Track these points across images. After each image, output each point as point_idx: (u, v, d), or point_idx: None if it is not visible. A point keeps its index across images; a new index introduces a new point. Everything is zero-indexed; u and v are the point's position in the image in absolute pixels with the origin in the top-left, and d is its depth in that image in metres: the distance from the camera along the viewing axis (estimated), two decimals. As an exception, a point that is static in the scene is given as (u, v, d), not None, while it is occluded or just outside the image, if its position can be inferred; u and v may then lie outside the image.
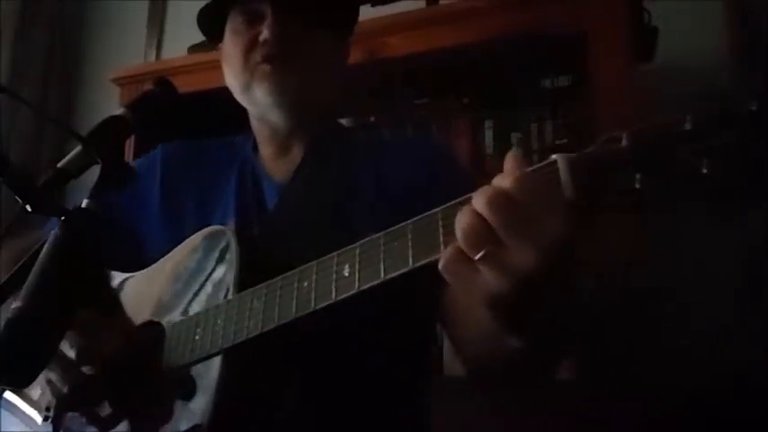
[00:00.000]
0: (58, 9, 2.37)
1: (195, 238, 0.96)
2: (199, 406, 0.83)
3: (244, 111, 1.10)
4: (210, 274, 0.91)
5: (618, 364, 1.20)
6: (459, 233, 0.60)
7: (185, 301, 0.94)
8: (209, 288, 0.91)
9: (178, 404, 0.86)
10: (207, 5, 1.09)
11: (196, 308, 0.92)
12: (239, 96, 1.06)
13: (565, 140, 1.54)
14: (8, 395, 1.01)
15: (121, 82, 1.82)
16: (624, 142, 0.57)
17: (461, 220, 0.60)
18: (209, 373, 0.84)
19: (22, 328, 0.61)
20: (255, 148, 1.12)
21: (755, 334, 1.39)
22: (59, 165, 0.73)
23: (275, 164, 1.09)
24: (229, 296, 0.87)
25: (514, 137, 1.60)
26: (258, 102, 1.03)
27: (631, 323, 1.19)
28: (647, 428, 1.18)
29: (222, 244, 0.91)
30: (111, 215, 1.09)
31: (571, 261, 0.60)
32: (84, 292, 0.67)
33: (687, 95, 1.44)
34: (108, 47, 2.41)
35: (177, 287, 0.95)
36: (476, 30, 1.46)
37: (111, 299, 1.03)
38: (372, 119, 1.74)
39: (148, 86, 0.86)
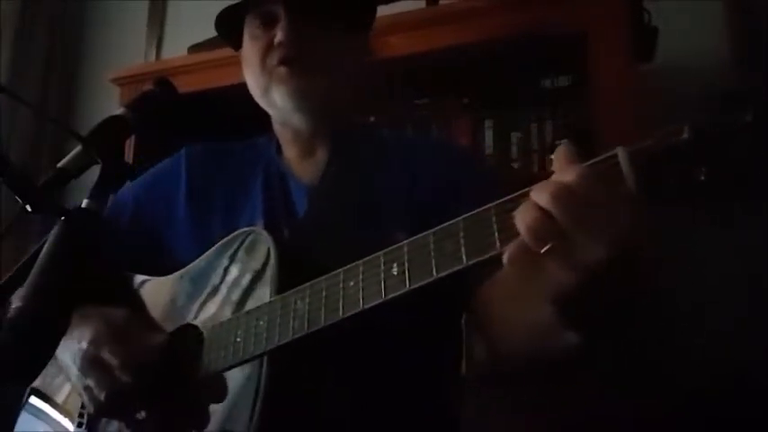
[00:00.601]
0: (58, 9, 2.37)
1: (231, 245, 0.95)
2: (240, 411, 0.82)
3: (244, 111, 1.10)
4: (225, 276, 0.91)
5: (620, 363, 1.20)
6: (523, 228, 0.60)
7: (198, 302, 0.94)
8: (223, 290, 0.91)
9: (215, 409, 0.85)
10: (223, 11, 1.08)
11: (212, 309, 0.92)
12: (260, 100, 1.06)
13: (565, 140, 1.53)
14: (33, 399, 1.01)
15: (121, 82, 1.82)
16: (686, 135, 0.56)
17: (525, 216, 0.60)
18: (245, 378, 0.84)
19: (22, 327, 0.61)
20: (279, 149, 1.12)
21: (756, 334, 1.39)
22: (59, 165, 0.73)
23: (301, 165, 1.08)
24: (249, 298, 0.87)
25: (514, 137, 1.60)
26: (278, 106, 1.03)
27: (637, 323, 1.19)
28: (648, 428, 1.18)
29: (235, 245, 0.91)
30: (132, 219, 1.10)
31: (637, 256, 0.60)
32: (83, 292, 0.67)
33: (687, 95, 1.44)
34: (108, 47, 2.40)
35: (188, 289, 0.95)
36: (476, 30, 1.46)
37: (136, 301, 1.03)
38: (372, 119, 1.73)
39: (148, 86, 0.86)
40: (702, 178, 0.55)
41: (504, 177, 1.58)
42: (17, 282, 0.67)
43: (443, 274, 0.68)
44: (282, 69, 1.00)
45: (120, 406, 0.89)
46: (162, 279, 1.03)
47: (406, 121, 1.70)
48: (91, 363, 0.89)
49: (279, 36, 1.00)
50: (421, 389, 0.95)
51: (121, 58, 2.19)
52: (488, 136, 1.63)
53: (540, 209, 0.59)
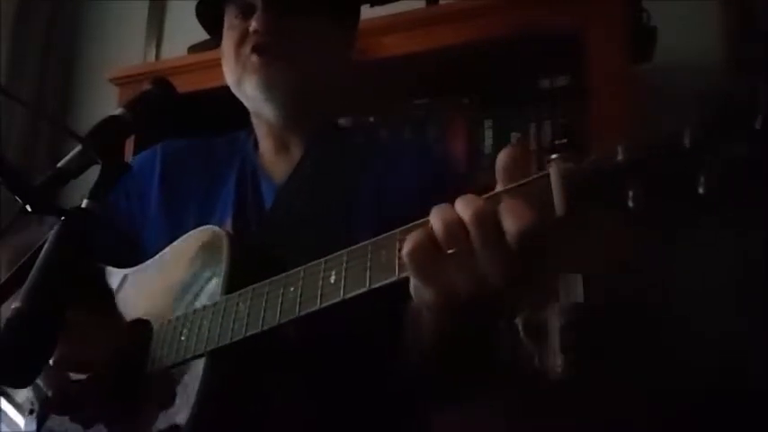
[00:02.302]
0: (56, 8, 2.37)
1: (193, 244, 0.94)
2: (178, 409, 0.82)
3: (244, 110, 1.10)
4: (204, 287, 0.90)
5: (617, 365, 1.20)
6: (438, 223, 0.62)
7: (179, 312, 0.93)
8: (203, 300, 0.90)
9: (158, 406, 0.85)
10: (199, 2, 1.08)
11: (162, 304, 0.92)
12: (235, 91, 1.05)
13: (564, 140, 1.54)
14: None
15: (120, 82, 1.82)
16: (619, 156, 0.56)
17: (444, 213, 0.62)
18: (190, 377, 0.83)
19: (21, 327, 0.61)
20: (256, 144, 1.11)
21: (755, 335, 1.39)
22: (59, 165, 0.73)
23: (274, 162, 1.08)
24: (202, 296, 0.87)
25: (514, 137, 1.60)
26: (249, 96, 1.02)
27: (631, 325, 1.19)
28: (647, 429, 1.18)
29: (219, 257, 0.89)
30: (107, 213, 1.09)
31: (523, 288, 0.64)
32: (83, 292, 0.67)
33: (686, 95, 1.44)
34: (107, 46, 2.40)
35: (171, 297, 0.93)
36: (475, 29, 1.46)
37: (104, 296, 1.02)
38: (372, 119, 1.73)
39: (147, 86, 0.86)
40: (630, 204, 0.55)
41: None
42: (17, 282, 0.67)
43: (377, 285, 0.68)
44: (254, 58, 0.99)
45: (66, 403, 0.88)
46: (147, 274, 1.01)
47: (406, 121, 1.70)
48: None
49: (253, 24, 0.99)
50: (370, 397, 0.93)
51: (121, 58, 2.19)
52: (488, 136, 1.63)
53: (459, 217, 0.61)
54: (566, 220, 0.58)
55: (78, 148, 0.73)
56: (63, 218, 0.68)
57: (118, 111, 0.79)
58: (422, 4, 1.64)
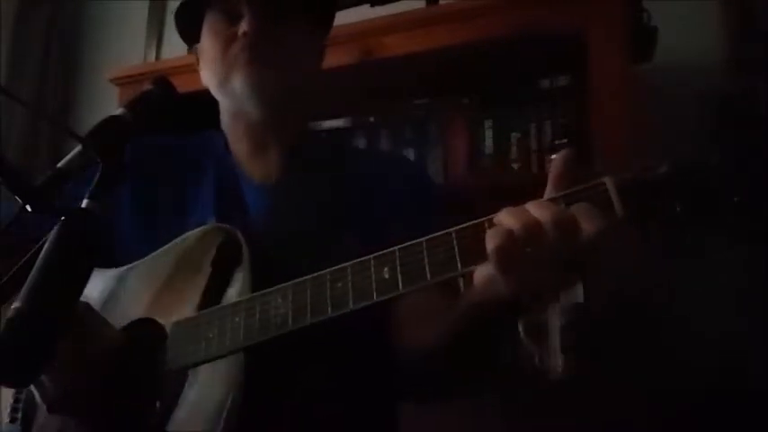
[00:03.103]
0: (57, 8, 2.37)
1: (200, 244, 0.94)
2: (209, 409, 0.81)
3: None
4: (225, 291, 0.90)
5: (617, 365, 1.20)
6: (518, 224, 0.66)
7: (146, 298, 0.94)
8: (179, 286, 0.90)
9: (177, 403, 0.85)
10: (181, 5, 1.10)
11: (166, 304, 0.92)
12: (216, 91, 1.07)
13: (564, 140, 1.54)
14: None
15: (120, 82, 1.82)
16: (664, 168, 0.62)
17: (521, 215, 0.67)
18: (223, 373, 0.83)
19: (21, 327, 0.61)
20: (227, 146, 1.11)
21: (755, 335, 1.39)
22: (59, 165, 0.72)
23: (252, 163, 1.08)
24: (216, 295, 0.87)
25: (514, 137, 1.61)
26: (235, 93, 1.03)
27: (631, 325, 1.19)
28: (647, 429, 1.18)
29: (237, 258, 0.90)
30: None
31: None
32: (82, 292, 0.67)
33: (686, 95, 1.44)
34: (107, 46, 2.40)
35: (187, 302, 0.92)
36: (475, 29, 1.46)
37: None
38: (372, 119, 1.73)
39: (147, 86, 0.86)
40: (678, 209, 0.61)
41: (504, 178, 1.58)
42: (17, 282, 0.67)
43: (438, 278, 0.72)
44: (244, 55, 1.01)
45: (72, 403, 0.86)
46: (106, 273, 1.01)
47: (406, 121, 1.70)
48: None
49: (244, 27, 1.01)
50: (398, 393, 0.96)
51: (121, 58, 2.19)
52: (488, 136, 1.63)
53: (512, 236, 0.66)
54: (622, 226, 0.64)
55: (78, 148, 0.73)
56: (63, 218, 0.68)
57: (118, 111, 0.79)
58: (422, 4, 1.64)
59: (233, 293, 0.87)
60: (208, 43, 1.06)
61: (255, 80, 1.01)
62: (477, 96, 1.65)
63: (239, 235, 0.90)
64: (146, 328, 0.93)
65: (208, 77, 1.07)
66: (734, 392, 1.38)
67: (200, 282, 0.91)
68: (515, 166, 1.59)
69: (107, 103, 1.96)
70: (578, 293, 1.21)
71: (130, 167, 1.07)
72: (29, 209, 0.68)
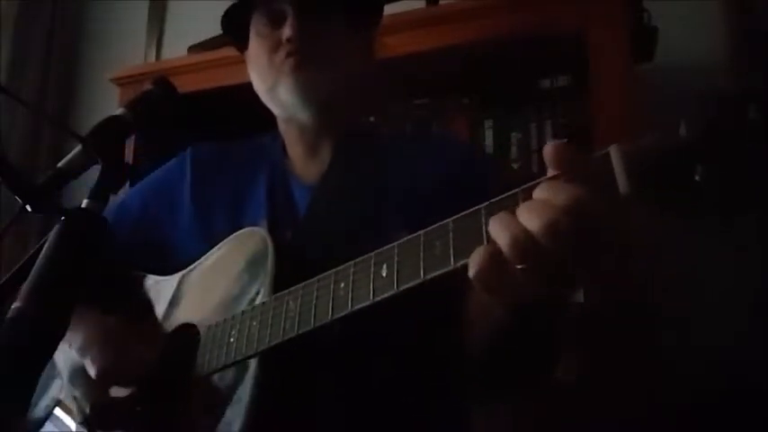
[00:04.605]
0: (57, 8, 2.37)
1: (238, 251, 0.94)
2: (229, 413, 0.81)
3: (244, 111, 1.10)
4: (254, 299, 0.90)
5: (617, 365, 1.20)
6: (506, 241, 0.58)
7: (198, 301, 0.94)
8: (222, 289, 0.90)
9: (205, 409, 0.85)
10: (228, 9, 1.08)
11: (209, 308, 0.92)
12: (265, 98, 1.06)
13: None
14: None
15: (121, 82, 1.82)
16: (683, 131, 0.52)
17: (509, 228, 0.58)
18: (240, 378, 0.83)
19: (21, 327, 0.61)
20: (284, 149, 1.11)
21: (756, 335, 1.39)
22: (59, 164, 0.73)
23: (305, 165, 1.08)
24: (246, 299, 0.87)
25: (514, 137, 1.60)
26: (284, 101, 1.03)
27: (631, 325, 1.19)
28: (647, 429, 1.18)
29: (264, 269, 0.88)
30: (138, 218, 1.10)
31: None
32: (83, 292, 0.67)
33: (687, 95, 1.44)
34: (108, 46, 2.40)
35: (221, 309, 0.93)
36: (475, 30, 1.46)
37: (140, 304, 1.02)
38: (372, 119, 1.73)
39: (148, 86, 0.86)
40: (697, 178, 0.50)
41: (504, 177, 1.58)
42: (17, 282, 0.67)
43: (431, 275, 0.66)
44: (290, 63, 1.00)
45: (106, 418, 0.87)
46: (201, 279, 1.02)
47: (406, 121, 1.70)
48: (77, 372, 0.88)
49: (287, 32, 1.00)
50: (417, 398, 0.93)
51: (121, 58, 2.19)
52: (488, 136, 1.63)
53: (496, 256, 0.58)
54: (630, 204, 0.54)
55: (79, 147, 0.73)
56: (63, 218, 0.68)
57: (119, 111, 0.79)
58: (422, 4, 1.64)
59: (258, 298, 0.87)
60: (254, 48, 1.06)
61: (302, 88, 1.00)
62: (477, 96, 1.65)
63: (268, 238, 0.90)
64: (185, 335, 0.94)
65: (257, 85, 1.07)
66: (734, 392, 1.38)
67: (231, 286, 0.92)
68: (515, 165, 1.59)
69: (107, 103, 1.96)
70: (578, 293, 1.21)
71: (193, 170, 1.10)
72: (29, 209, 0.68)
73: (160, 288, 1.04)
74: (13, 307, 0.62)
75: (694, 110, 0.51)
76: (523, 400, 1.22)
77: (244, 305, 0.89)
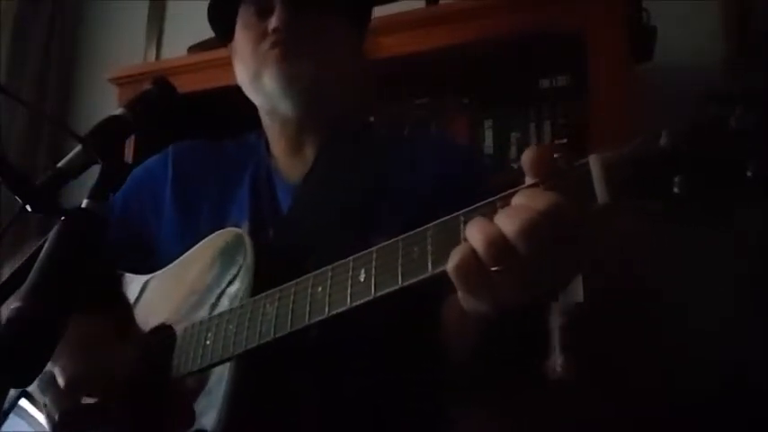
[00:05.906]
0: (56, 8, 2.37)
1: (213, 246, 0.94)
2: (204, 414, 0.81)
3: (244, 111, 1.09)
4: (226, 288, 0.89)
5: (617, 365, 1.20)
6: (480, 243, 0.58)
7: (201, 315, 0.93)
8: (225, 302, 0.89)
9: (181, 413, 0.84)
10: (215, 1, 1.08)
11: (186, 309, 0.91)
12: (248, 89, 1.05)
13: (564, 140, 1.54)
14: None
15: (120, 82, 1.82)
16: (663, 141, 0.52)
17: (486, 232, 0.58)
18: (215, 382, 0.82)
19: (21, 327, 0.61)
20: (268, 147, 1.10)
21: (755, 333, 1.39)
22: (59, 165, 0.73)
23: (288, 163, 1.07)
24: (224, 300, 0.86)
25: (514, 137, 1.61)
26: (267, 90, 1.01)
27: (630, 324, 1.19)
28: (648, 429, 1.18)
29: (240, 259, 0.88)
30: (120, 217, 1.09)
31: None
32: (83, 292, 0.67)
33: (686, 95, 1.44)
34: (107, 46, 2.40)
35: (193, 300, 0.93)
36: (475, 30, 1.47)
37: (123, 304, 1.02)
38: (372, 119, 1.73)
39: (147, 86, 0.86)
40: (676, 190, 0.51)
41: (504, 177, 1.58)
42: (17, 282, 0.67)
43: (409, 282, 0.66)
44: (275, 53, 0.99)
45: (77, 425, 0.85)
46: (169, 278, 1.02)
47: (406, 121, 1.70)
48: (47, 379, 0.86)
49: (274, 22, 0.99)
50: (393, 403, 0.92)
51: (121, 58, 2.19)
52: (488, 136, 1.63)
53: (473, 256, 0.58)
54: (607, 212, 0.54)
55: (78, 147, 0.73)
56: (63, 218, 0.68)
57: (118, 111, 0.79)
58: (422, 4, 1.64)
59: (227, 300, 0.87)
60: (240, 39, 1.05)
61: (286, 78, 0.99)
62: (477, 96, 1.65)
63: (246, 238, 0.89)
64: (160, 336, 0.93)
65: (241, 76, 1.06)
66: (734, 392, 1.38)
67: (204, 276, 0.92)
68: (515, 165, 1.59)
69: (107, 103, 1.96)
70: (578, 293, 1.21)
71: (174, 168, 1.09)
72: (29, 209, 0.68)
73: (130, 288, 1.03)
74: (12, 307, 0.62)
75: (677, 118, 0.51)
76: (511, 400, 1.22)
77: (218, 292, 0.89)
